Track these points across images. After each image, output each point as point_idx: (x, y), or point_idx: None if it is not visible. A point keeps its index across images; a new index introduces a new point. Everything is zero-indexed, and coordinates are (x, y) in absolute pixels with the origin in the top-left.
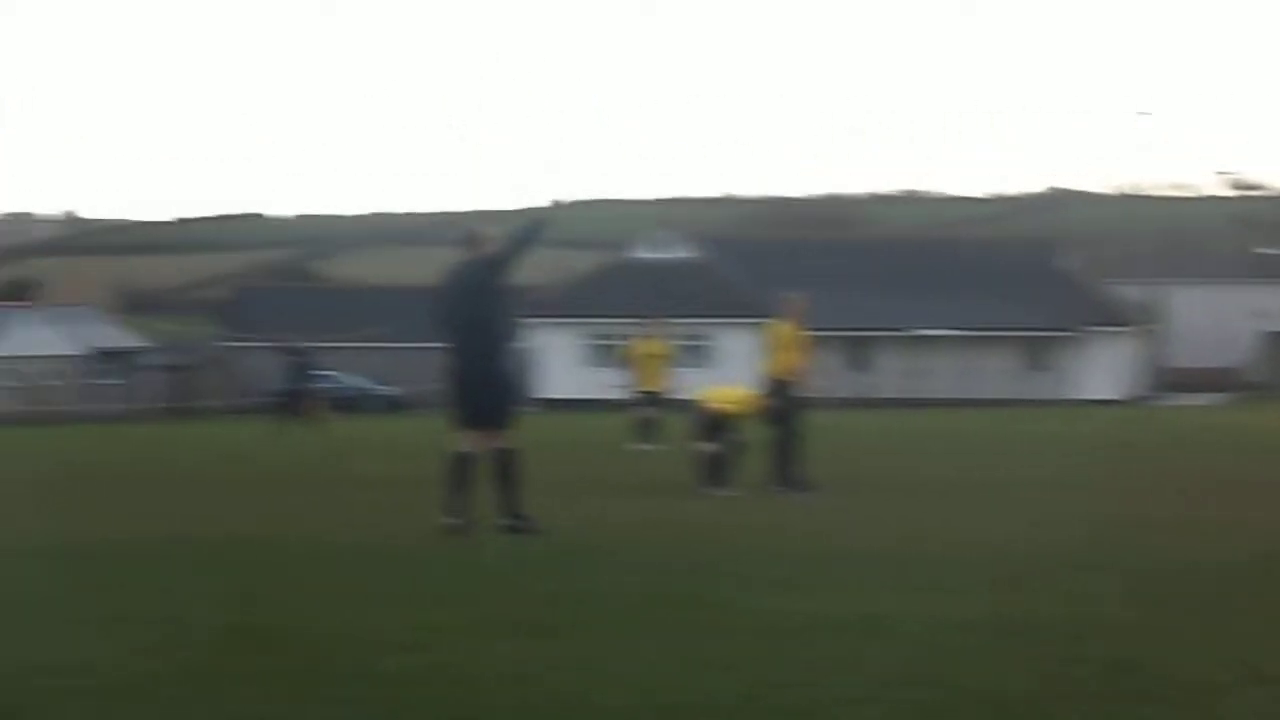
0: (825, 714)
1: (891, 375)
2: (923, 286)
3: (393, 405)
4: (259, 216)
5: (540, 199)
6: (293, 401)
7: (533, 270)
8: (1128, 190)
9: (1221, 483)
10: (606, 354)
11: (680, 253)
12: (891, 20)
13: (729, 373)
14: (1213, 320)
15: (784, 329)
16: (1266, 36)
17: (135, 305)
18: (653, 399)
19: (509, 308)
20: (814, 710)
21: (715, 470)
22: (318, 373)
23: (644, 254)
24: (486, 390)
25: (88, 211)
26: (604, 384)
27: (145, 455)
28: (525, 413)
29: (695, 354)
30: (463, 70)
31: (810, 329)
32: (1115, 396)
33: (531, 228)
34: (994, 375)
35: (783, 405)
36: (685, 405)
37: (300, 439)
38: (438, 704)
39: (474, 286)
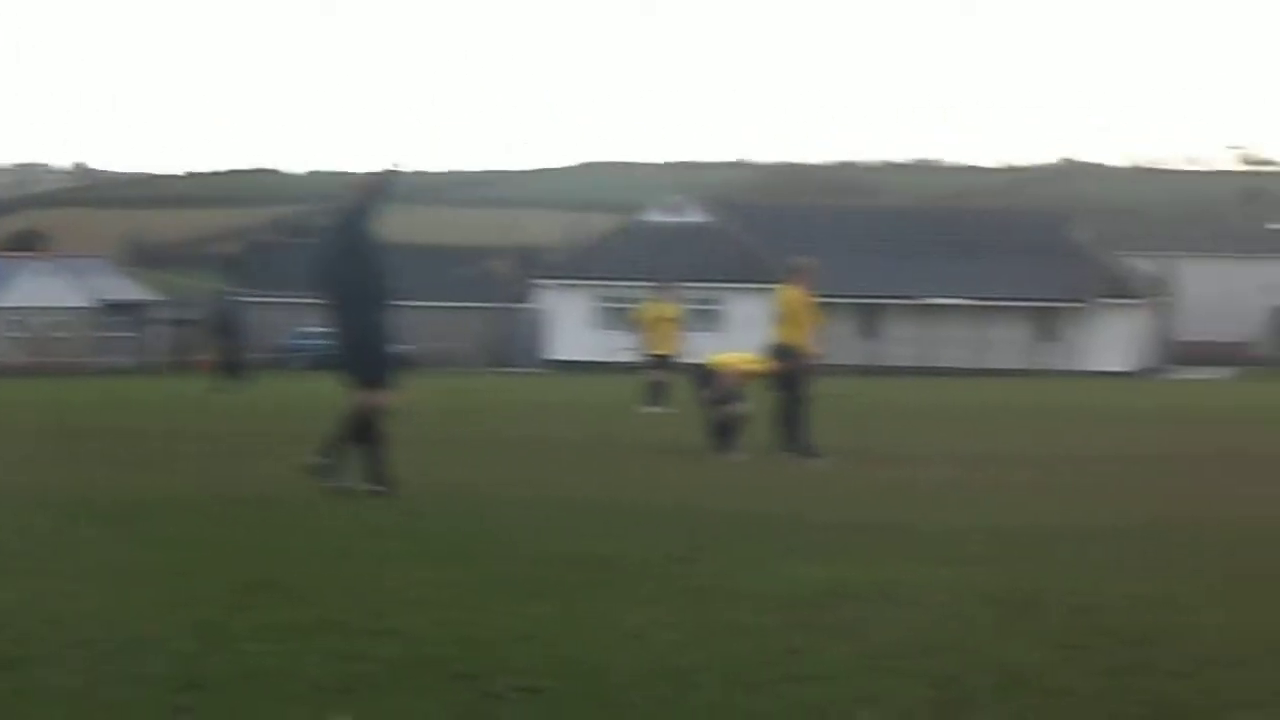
0: (839, 680)
1: (902, 343)
2: (935, 255)
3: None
4: (271, 172)
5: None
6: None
7: (545, 232)
8: (1139, 163)
9: (1223, 455)
10: (617, 317)
11: (693, 217)
12: None
13: (740, 337)
14: (1222, 294)
15: (794, 295)
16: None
17: (145, 258)
18: (662, 362)
19: (377, 265)
20: (828, 675)
21: (724, 434)
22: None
23: (656, 217)
24: (354, 348)
25: (98, 163)
26: (614, 347)
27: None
28: (405, 372)
29: (706, 318)
30: (469, 30)
31: (821, 295)
32: (1124, 369)
33: (374, 186)
34: (1005, 345)
35: (791, 371)
36: (694, 369)
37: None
38: (446, 661)
39: (336, 243)
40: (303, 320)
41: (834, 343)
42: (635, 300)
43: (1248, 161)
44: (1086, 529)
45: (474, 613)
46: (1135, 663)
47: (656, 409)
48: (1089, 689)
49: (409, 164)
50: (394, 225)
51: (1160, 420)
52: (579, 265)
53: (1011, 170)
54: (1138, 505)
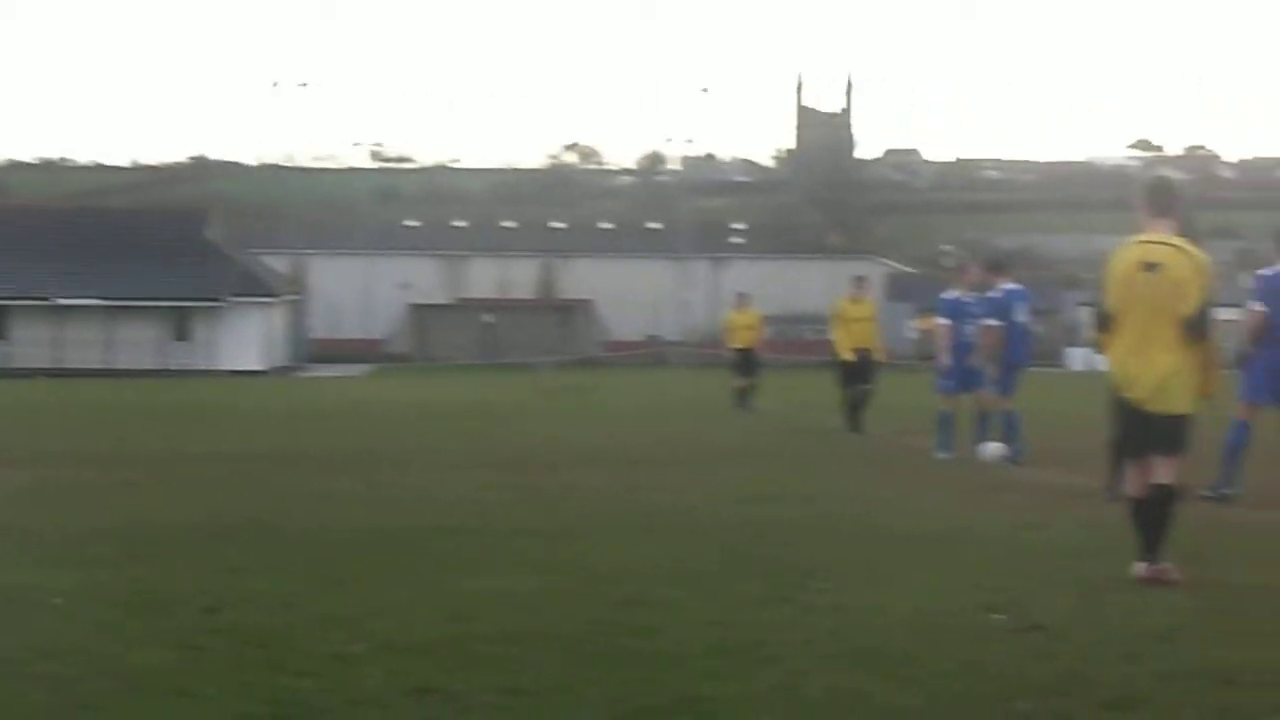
0: None
1: (31, 345)
2: (65, 255)
3: None
4: None
5: None
6: None
7: None
8: (272, 160)
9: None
10: None
11: None
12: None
13: None
14: (359, 291)
15: None
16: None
17: None
18: None
19: None
20: None
21: None
22: None
23: None
24: None
25: None
26: None
27: None
28: None
29: None
30: None
31: None
32: (259, 367)
33: None
34: (138, 346)
35: None
36: None
37: None
38: None
39: None
40: None
41: None
42: None
43: (381, 159)
44: (209, 528)
45: None
46: (261, 661)
47: None
48: (213, 689)
49: None
50: None
51: (275, 419)
52: None
53: (143, 169)
54: (249, 504)
